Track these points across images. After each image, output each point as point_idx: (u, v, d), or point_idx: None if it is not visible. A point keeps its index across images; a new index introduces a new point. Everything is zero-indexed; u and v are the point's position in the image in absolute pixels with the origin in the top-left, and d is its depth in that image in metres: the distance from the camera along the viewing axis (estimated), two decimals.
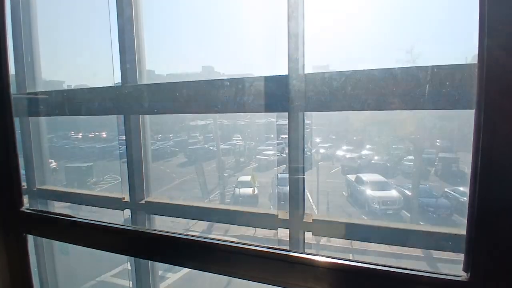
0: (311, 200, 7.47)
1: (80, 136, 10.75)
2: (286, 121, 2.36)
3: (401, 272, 1.25)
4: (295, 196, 1.87)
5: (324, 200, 8.12)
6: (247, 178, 9.38)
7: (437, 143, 7.78)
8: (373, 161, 8.87)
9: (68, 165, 10.08)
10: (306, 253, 1.42)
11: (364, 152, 8.85)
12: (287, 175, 1.92)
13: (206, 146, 10.68)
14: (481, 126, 1.04)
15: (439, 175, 8.14)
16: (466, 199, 7.13)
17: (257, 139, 10.12)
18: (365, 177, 8.27)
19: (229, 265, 1.52)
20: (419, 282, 1.22)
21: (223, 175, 9.97)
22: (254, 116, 9.31)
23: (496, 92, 1.02)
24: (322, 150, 9.00)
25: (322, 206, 8.01)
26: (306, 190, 1.89)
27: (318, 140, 8.39)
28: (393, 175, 8.47)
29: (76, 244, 1.88)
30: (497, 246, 1.07)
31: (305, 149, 2.17)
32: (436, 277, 1.20)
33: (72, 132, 10.40)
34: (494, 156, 1.04)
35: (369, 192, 7.80)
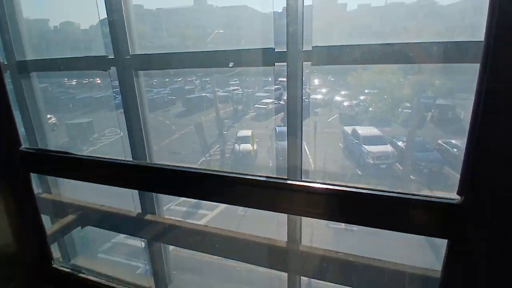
0: (308, 154, 7.50)
1: (74, 83, 10.50)
2: (285, 62, 2.25)
3: (395, 196, 1.27)
4: (293, 153, 1.88)
5: (321, 154, 8.19)
6: (246, 132, 9.37)
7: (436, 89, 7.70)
8: (370, 109, 8.83)
9: (69, 122, 9.97)
10: (303, 181, 1.44)
11: (362, 97, 8.75)
12: (285, 129, 1.89)
13: (204, 94, 10.50)
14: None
15: (434, 122, 8.18)
16: (457, 151, 7.27)
17: (254, 81, 9.91)
18: (361, 130, 8.35)
19: (229, 194, 1.55)
20: (414, 206, 1.24)
21: (223, 132, 9.91)
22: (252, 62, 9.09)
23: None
24: (320, 96, 8.87)
25: (319, 162, 8.12)
26: (304, 143, 1.88)
27: (316, 82, 8.21)
28: (390, 124, 8.49)
29: (77, 180, 1.90)
30: (492, 170, 1.07)
31: (303, 96, 2.11)
32: (431, 200, 1.22)
33: (66, 79, 10.13)
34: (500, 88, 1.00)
35: (364, 146, 7.97)
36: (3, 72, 1.87)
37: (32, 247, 2.28)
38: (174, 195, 1.70)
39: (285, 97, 2.45)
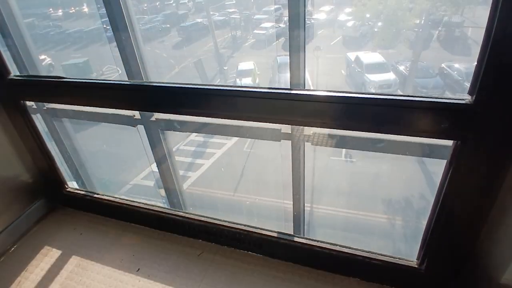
0: (310, 84, 7.30)
1: (60, 13, 9.91)
2: None
3: (403, 99, 1.20)
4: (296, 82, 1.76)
5: (323, 83, 7.97)
6: (247, 65, 9.00)
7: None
8: (376, 29, 8.40)
9: (65, 63, 9.60)
10: (307, 90, 1.38)
11: (368, 15, 8.26)
12: (287, 59, 1.75)
13: (199, 20, 9.93)
14: None
15: (441, 41, 7.84)
16: (458, 76, 7.03)
17: (253, 1, 9.31)
18: (364, 57, 8.03)
19: (233, 108, 1.49)
20: (422, 107, 1.18)
21: (223, 68, 9.51)
22: None
23: None
24: (323, 16, 8.40)
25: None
26: (306, 72, 1.76)
27: None
28: (395, 46, 8.15)
29: (73, 104, 1.84)
30: (504, 71, 1.00)
31: (305, 15, 1.93)
32: (440, 102, 1.16)
33: (51, 9, 9.55)
34: None
35: (366, 75, 7.77)
36: None
37: (44, 173, 2.33)
38: (174, 113, 1.65)
39: (285, 18, 2.26)
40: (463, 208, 1.32)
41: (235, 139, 8.07)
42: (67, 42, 10.18)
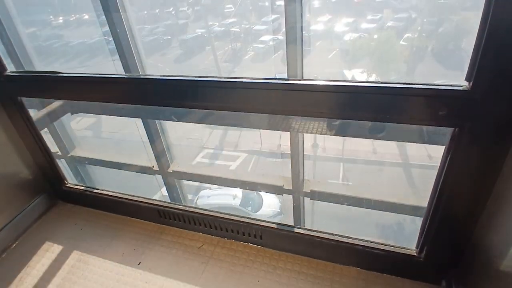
0: None
1: (61, 21, 9.99)
2: None
3: (399, 87, 1.21)
4: None
5: None
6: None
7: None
8: (372, 43, 8.50)
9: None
10: (304, 79, 1.40)
11: (364, 25, 8.35)
12: (285, 76, 1.80)
13: (199, 32, 10.05)
14: None
15: (434, 54, 7.88)
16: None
17: (251, 9, 9.42)
18: (360, 78, 8.12)
19: (227, 100, 1.51)
20: (419, 95, 1.19)
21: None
22: None
23: None
24: (320, 26, 8.48)
25: None
26: None
27: (316, 4, 7.77)
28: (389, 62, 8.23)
29: (71, 99, 1.86)
30: (501, 56, 1.01)
31: (303, 25, 1.97)
32: (438, 88, 1.16)
33: (52, 17, 9.65)
34: None
35: None
36: None
37: (44, 169, 2.34)
38: (172, 106, 1.67)
39: (283, 29, 2.32)
40: (461, 196, 1.32)
41: (240, 160, 8.24)
42: (70, 54, 10.28)
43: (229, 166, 8.72)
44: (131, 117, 3.07)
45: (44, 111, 2.53)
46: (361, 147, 8.00)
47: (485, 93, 1.08)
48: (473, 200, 1.32)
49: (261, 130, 8.80)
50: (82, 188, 2.36)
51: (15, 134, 2.14)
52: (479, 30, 1.03)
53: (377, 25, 8.09)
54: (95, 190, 2.30)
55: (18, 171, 2.25)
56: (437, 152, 1.36)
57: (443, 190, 1.34)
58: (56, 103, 2.56)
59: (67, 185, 2.38)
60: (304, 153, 2.39)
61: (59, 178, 2.36)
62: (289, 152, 2.34)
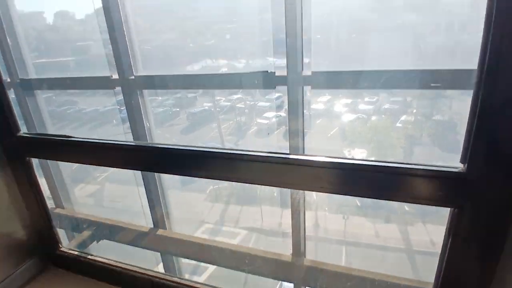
0: None
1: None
2: (284, 62, 2.26)
3: (397, 167, 1.26)
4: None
5: None
6: None
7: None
8: (368, 124, 8.88)
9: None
10: (305, 155, 1.45)
11: (362, 107, 8.76)
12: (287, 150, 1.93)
13: (206, 106, 10.55)
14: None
15: (431, 136, 8.13)
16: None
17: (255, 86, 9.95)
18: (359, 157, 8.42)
19: (231, 171, 1.55)
20: (416, 175, 1.23)
21: None
22: (250, 57, 9.22)
23: None
24: (321, 106, 8.93)
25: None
26: None
27: None
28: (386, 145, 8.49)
29: (78, 163, 1.91)
30: (496, 138, 1.07)
31: (304, 104, 2.14)
32: (433, 169, 1.21)
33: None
34: (504, 48, 0.98)
35: None
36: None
37: (39, 231, 2.29)
38: (176, 174, 1.70)
39: (286, 107, 2.48)
40: (465, 276, 1.29)
41: (240, 237, 8.15)
42: (82, 120, 10.68)
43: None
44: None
45: None
46: (364, 229, 7.85)
47: (480, 174, 1.12)
48: (476, 282, 1.28)
49: (262, 206, 8.75)
50: (76, 253, 2.29)
51: (17, 194, 2.15)
52: (469, 114, 1.09)
53: (374, 107, 8.49)
54: (89, 257, 2.23)
55: (13, 231, 2.20)
56: (440, 237, 1.35)
57: (446, 272, 1.31)
58: None
59: (61, 249, 2.31)
60: (306, 234, 2.37)
61: (54, 241, 2.30)
62: (290, 231, 2.32)
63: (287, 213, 2.27)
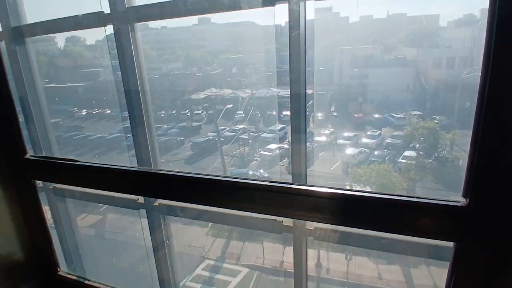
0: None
1: (84, 113, 10.69)
2: (288, 92, 2.31)
3: (399, 199, 1.26)
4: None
5: None
6: None
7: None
8: (372, 158, 8.92)
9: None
10: (308, 185, 1.45)
11: (364, 140, 8.81)
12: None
13: (211, 136, 10.64)
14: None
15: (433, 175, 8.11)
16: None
17: (259, 115, 10.04)
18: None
19: (233, 199, 1.55)
20: (418, 208, 1.23)
21: None
22: (254, 87, 9.40)
23: None
24: (323, 138, 8.98)
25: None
26: None
27: (320, 116, 8.28)
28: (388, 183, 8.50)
29: (82, 187, 1.92)
30: (498, 173, 1.08)
31: (307, 136, 2.18)
32: (435, 203, 1.21)
33: (76, 109, 10.37)
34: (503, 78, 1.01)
35: None
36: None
37: (39, 254, 2.27)
38: (180, 201, 1.71)
39: (289, 138, 2.51)
40: None
41: (241, 276, 8.02)
42: (87, 146, 10.78)
43: (229, 282, 8.34)
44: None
45: None
46: (366, 271, 7.68)
47: (482, 209, 1.12)
48: None
49: (264, 243, 8.64)
50: (75, 277, 2.25)
51: (20, 216, 2.15)
52: (470, 149, 1.11)
53: (376, 141, 8.53)
54: (86, 282, 2.20)
55: (13, 252, 2.18)
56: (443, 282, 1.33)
57: None
58: None
59: (59, 273, 2.27)
60: (308, 273, 2.33)
61: (53, 264, 2.27)
62: (292, 270, 2.29)
63: (289, 250, 2.24)
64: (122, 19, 2.61)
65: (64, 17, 2.95)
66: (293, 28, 1.87)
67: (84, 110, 10.62)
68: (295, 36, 1.91)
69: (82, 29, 3.04)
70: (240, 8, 2.29)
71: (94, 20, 2.78)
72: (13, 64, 2.98)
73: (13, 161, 2.05)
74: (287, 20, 1.96)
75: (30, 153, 2.03)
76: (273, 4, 2.19)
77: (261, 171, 9.16)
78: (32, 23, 3.12)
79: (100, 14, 2.69)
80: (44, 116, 3.21)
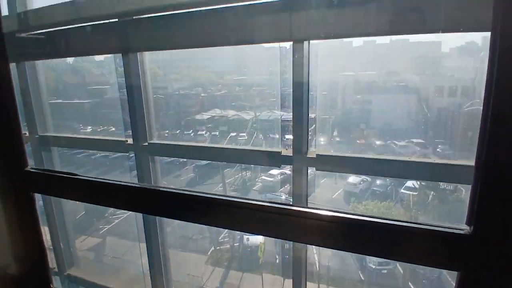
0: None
1: (89, 130, 10.77)
2: (290, 116, 2.34)
3: (402, 225, 1.24)
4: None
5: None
6: (255, 240, 9.40)
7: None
8: (374, 188, 8.88)
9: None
10: (308, 207, 1.44)
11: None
12: None
13: (213, 162, 10.67)
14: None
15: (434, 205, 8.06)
16: None
17: (261, 139, 10.06)
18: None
19: (231, 219, 1.53)
20: (421, 235, 1.21)
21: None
22: (258, 109, 9.49)
23: None
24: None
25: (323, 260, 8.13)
26: None
27: (322, 141, 8.30)
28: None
29: (81, 201, 1.91)
30: (502, 200, 1.07)
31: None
32: (439, 230, 1.19)
33: (81, 125, 10.46)
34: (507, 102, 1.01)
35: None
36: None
37: (32, 268, 2.20)
38: (180, 220, 1.69)
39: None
40: None
41: None
42: (90, 165, 10.79)
43: None
44: None
45: None
46: None
47: (487, 237, 1.10)
48: None
49: (264, 274, 8.49)
50: None
51: (17, 229, 2.11)
52: (474, 176, 1.10)
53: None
54: None
55: (6, 264, 2.12)
56: None
57: None
58: None
59: None
60: None
61: (46, 279, 2.22)
62: None
63: (289, 283, 2.19)
64: None
65: None
66: (296, 51, 1.91)
67: (89, 127, 10.73)
68: (299, 59, 1.94)
69: None
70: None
71: None
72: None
73: (13, 172, 2.04)
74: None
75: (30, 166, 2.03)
76: None
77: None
78: None
79: None
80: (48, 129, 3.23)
